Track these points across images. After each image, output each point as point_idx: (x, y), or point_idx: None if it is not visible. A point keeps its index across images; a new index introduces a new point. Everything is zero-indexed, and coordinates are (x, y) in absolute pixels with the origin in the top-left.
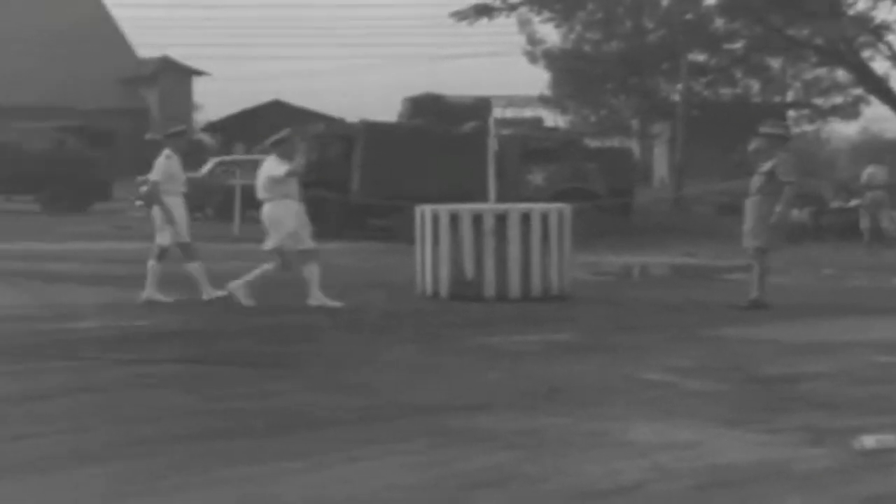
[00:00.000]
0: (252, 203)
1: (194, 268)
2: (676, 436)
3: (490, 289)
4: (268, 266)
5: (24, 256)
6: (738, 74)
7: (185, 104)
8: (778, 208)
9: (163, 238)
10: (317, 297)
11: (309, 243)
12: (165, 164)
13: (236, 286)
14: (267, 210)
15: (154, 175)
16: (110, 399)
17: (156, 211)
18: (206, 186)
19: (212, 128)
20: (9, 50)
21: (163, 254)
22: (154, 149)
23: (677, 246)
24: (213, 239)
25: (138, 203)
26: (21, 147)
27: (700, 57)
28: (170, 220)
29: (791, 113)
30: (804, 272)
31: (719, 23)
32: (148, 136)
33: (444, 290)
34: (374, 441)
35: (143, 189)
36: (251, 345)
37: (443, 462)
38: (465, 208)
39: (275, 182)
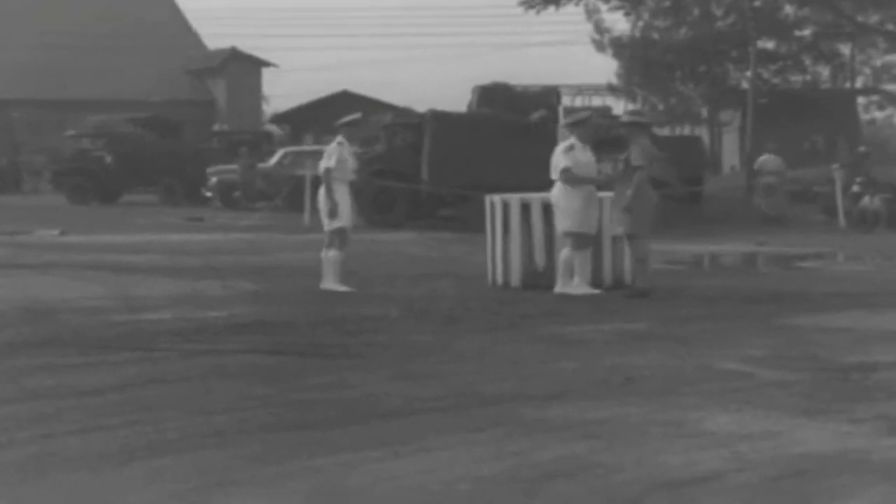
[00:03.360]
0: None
1: (333, 256)
2: (754, 425)
3: None
4: (566, 251)
5: (98, 248)
6: (808, 61)
7: (254, 95)
8: (629, 192)
9: (335, 224)
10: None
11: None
12: (338, 151)
13: (562, 286)
14: (556, 192)
15: (325, 161)
16: (185, 390)
17: (321, 197)
18: (274, 176)
19: (279, 119)
20: (77, 44)
21: (342, 240)
22: (221, 140)
23: (748, 234)
24: (282, 229)
25: (209, 194)
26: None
27: (769, 44)
28: (332, 207)
29: (861, 99)
30: (878, 260)
31: (789, 9)
32: (216, 128)
33: (515, 279)
34: (448, 431)
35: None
36: (325, 335)
37: (518, 452)
38: (536, 197)
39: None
